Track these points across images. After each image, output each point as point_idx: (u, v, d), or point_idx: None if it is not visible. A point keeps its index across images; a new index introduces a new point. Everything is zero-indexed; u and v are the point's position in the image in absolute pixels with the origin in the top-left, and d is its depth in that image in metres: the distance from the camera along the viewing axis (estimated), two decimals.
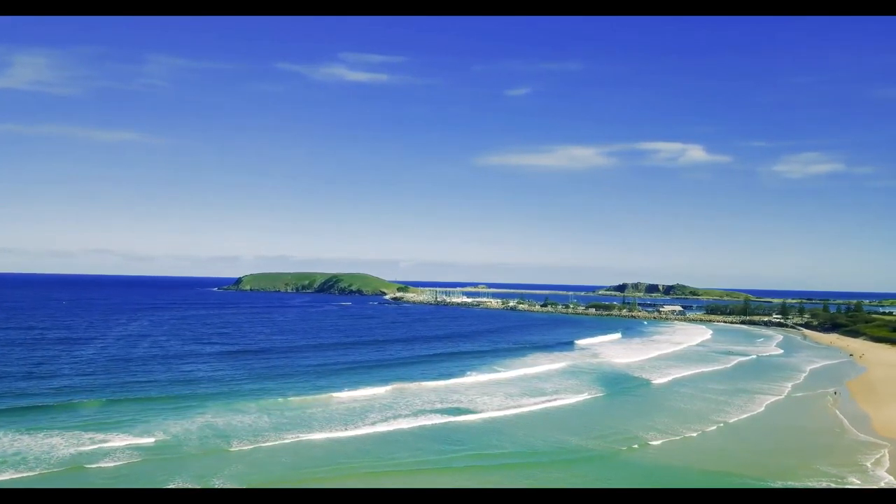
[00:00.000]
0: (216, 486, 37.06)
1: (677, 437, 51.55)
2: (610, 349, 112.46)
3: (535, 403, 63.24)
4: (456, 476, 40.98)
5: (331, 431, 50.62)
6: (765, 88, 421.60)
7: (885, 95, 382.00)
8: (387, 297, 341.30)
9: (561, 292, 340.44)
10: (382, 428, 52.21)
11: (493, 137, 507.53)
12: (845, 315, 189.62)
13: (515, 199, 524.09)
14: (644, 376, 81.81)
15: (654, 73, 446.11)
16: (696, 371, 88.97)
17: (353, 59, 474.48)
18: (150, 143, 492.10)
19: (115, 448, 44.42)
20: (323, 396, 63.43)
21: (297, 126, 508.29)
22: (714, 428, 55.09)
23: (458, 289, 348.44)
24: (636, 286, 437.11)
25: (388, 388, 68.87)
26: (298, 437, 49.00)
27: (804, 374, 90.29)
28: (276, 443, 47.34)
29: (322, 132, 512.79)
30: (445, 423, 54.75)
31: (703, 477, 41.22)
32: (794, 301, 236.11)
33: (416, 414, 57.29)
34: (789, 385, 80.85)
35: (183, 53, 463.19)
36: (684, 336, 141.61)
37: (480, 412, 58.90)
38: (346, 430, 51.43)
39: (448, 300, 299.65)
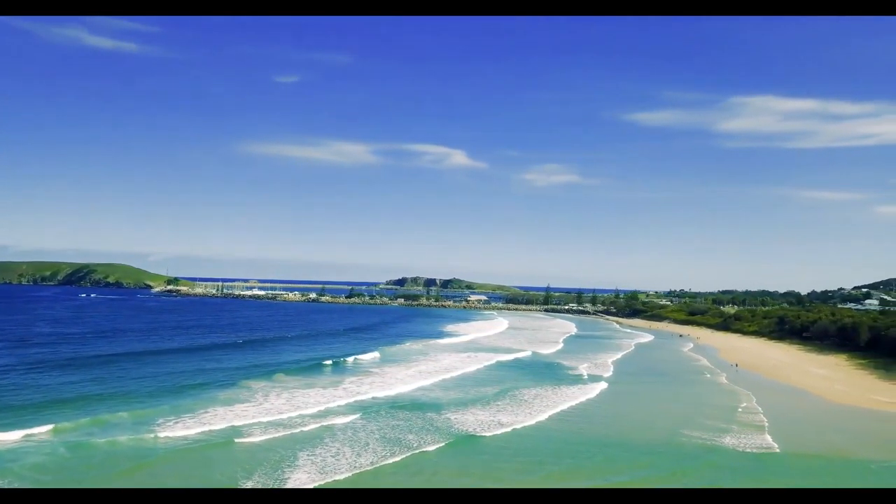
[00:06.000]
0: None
1: (775, 426, 45.15)
2: (511, 340, 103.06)
3: (549, 408, 51.81)
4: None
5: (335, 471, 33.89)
6: (516, 101, 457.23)
7: (611, 118, 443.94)
8: (155, 290, 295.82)
9: (339, 286, 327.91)
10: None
11: (259, 125, 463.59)
12: (641, 302, 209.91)
13: (283, 191, 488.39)
14: (585, 369, 73.06)
15: (421, 76, 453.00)
16: (619, 356, 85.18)
17: (96, 22, 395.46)
18: None
19: None
20: (260, 414, 44.68)
21: (18, 91, 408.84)
22: (762, 415, 49.08)
23: (232, 283, 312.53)
24: (415, 280, 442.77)
25: (344, 399, 52.08)
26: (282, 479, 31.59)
27: (698, 355, 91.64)
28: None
29: (49, 102, 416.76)
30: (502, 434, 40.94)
31: (842, 464, 34.47)
32: (588, 293, 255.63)
33: (432, 424, 42.35)
34: (710, 364, 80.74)
35: None
36: (552, 323, 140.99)
37: (500, 416, 45.95)
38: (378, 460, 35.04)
39: (238, 293, 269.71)
